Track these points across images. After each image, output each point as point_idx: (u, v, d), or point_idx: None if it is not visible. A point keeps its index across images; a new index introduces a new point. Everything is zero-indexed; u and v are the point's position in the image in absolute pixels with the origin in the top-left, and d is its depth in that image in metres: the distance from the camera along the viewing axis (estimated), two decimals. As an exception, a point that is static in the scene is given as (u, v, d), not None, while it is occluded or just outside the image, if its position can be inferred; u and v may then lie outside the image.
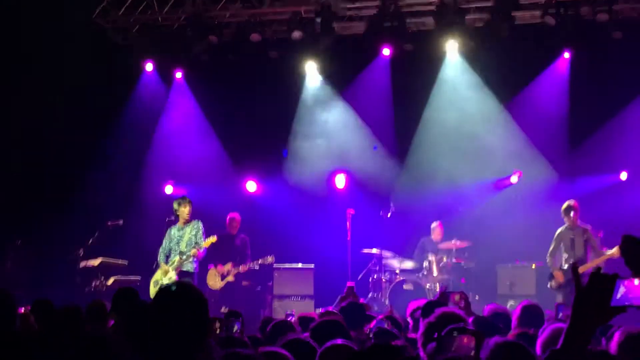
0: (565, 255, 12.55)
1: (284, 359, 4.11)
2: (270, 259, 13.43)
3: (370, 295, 14.12)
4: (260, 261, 13.47)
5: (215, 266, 13.47)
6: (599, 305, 2.66)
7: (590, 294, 2.68)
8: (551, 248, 12.69)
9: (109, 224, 13.93)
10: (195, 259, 12.24)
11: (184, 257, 12.11)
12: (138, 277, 13.43)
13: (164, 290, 3.47)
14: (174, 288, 3.43)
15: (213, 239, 12.40)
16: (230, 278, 13.37)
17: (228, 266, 13.38)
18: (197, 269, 12.46)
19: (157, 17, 15.50)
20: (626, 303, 2.64)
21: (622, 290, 2.64)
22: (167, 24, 15.57)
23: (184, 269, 12.18)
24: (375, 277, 14.40)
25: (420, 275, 14.16)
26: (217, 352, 3.87)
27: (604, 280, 2.67)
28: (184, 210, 12.38)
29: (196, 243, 12.23)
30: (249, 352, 3.01)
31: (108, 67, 15.37)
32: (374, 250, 14.43)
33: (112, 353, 2.89)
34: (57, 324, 5.42)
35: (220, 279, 13.44)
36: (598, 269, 2.81)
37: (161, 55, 15.86)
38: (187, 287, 3.47)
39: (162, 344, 3.28)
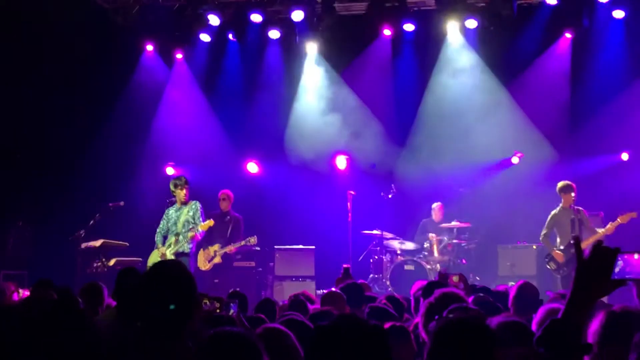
0: (559, 237, 12.60)
1: (283, 336, 4.12)
2: (252, 239, 12.98)
3: (371, 276, 14.15)
4: (242, 243, 13.06)
5: (204, 248, 13.20)
6: (600, 277, 2.67)
7: (592, 266, 2.68)
8: (545, 230, 12.71)
9: (110, 205, 13.90)
10: (192, 241, 12.20)
11: (180, 237, 12.06)
12: (139, 259, 13.42)
13: (150, 269, 3.49)
14: (162, 266, 3.44)
15: (210, 222, 12.31)
16: (217, 259, 13.01)
17: (216, 247, 13.07)
18: (194, 249, 12.40)
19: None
20: (626, 276, 2.66)
21: (620, 263, 2.66)
22: (167, 4, 15.49)
23: (180, 250, 12.11)
24: (376, 258, 14.43)
25: (421, 256, 14.19)
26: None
27: (606, 253, 2.67)
28: (180, 193, 12.30)
29: (194, 224, 12.18)
30: (237, 329, 3.00)
31: (108, 48, 15.31)
32: (375, 232, 14.44)
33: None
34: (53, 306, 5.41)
35: (207, 261, 13.14)
36: (600, 241, 2.80)
37: (162, 36, 15.81)
38: (171, 265, 3.47)
39: (148, 321, 3.29)
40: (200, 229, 12.16)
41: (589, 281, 2.68)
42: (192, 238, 12.12)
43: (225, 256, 13.20)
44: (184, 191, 12.32)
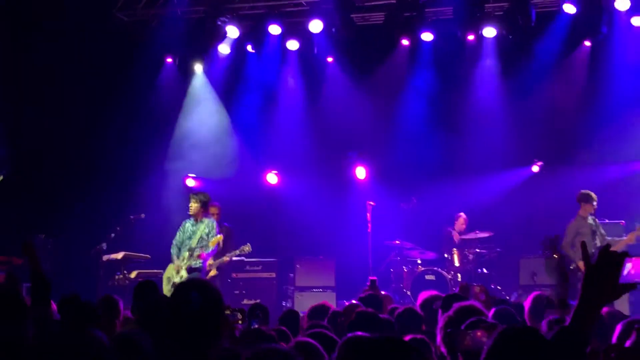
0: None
1: (313, 349, 4.14)
2: (247, 248, 12.79)
3: (392, 286, 14.13)
4: (237, 251, 12.85)
5: None
6: (608, 281, 2.65)
7: (599, 271, 2.67)
8: (567, 240, 12.48)
9: (132, 217, 13.98)
10: (202, 260, 12.08)
11: (194, 254, 11.99)
12: (161, 271, 13.40)
13: (180, 287, 3.50)
14: (190, 286, 3.46)
15: (219, 237, 12.18)
16: (213, 272, 12.73)
17: (209, 260, 12.50)
18: (205, 264, 12.22)
19: (176, 10, 15.51)
20: (636, 280, 2.66)
21: (628, 266, 2.68)
22: (186, 17, 15.57)
23: (193, 265, 12.00)
24: (396, 268, 14.40)
25: (442, 265, 14.15)
26: (244, 347, 3.89)
27: (613, 257, 2.66)
28: (191, 206, 12.16)
29: (207, 241, 12.06)
30: (282, 347, 3.00)
31: (128, 60, 15.40)
32: (396, 242, 14.42)
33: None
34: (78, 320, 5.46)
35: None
36: (607, 245, 2.79)
37: (181, 48, 15.89)
38: (203, 285, 3.49)
39: (177, 340, 3.31)
40: (210, 245, 12.05)
41: (597, 286, 2.67)
42: (199, 257, 12.02)
43: (221, 267, 13.04)
44: (194, 205, 12.13)
